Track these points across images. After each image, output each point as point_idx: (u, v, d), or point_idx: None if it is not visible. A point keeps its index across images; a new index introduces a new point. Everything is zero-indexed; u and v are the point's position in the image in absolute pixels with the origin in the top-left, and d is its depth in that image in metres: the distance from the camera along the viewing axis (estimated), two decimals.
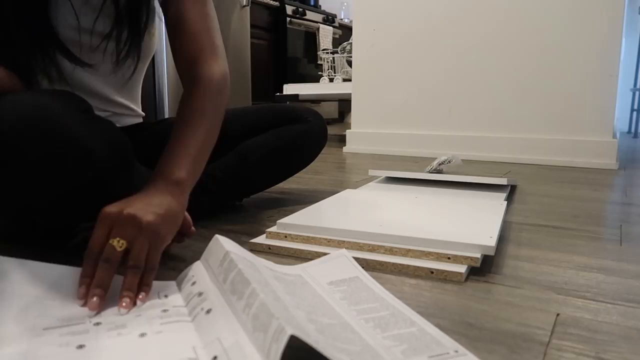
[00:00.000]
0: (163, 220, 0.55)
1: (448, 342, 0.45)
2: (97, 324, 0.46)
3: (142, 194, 0.59)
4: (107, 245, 0.50)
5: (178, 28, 0.77)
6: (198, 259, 0.73)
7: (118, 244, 0.50)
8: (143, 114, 1.00)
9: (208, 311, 0.47)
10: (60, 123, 0.57)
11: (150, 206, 0.55)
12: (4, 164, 0.54)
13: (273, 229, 0.82)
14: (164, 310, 0.49)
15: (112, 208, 0.53)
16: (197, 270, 0.55)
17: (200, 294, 0.50)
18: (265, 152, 1.01)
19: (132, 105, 0.94)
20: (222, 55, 0.78)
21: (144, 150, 0.92)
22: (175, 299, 0.52)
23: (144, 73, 0.96)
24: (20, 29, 0.70)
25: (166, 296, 0.53)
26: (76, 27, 0.75)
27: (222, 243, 0.55)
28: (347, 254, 0.69)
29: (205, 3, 0.80)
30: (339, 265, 0.66)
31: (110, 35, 0.77)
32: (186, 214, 0.73)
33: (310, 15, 3.94)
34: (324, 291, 0.56)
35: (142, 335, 0.44)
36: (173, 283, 0.57)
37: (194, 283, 0.53)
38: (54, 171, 0.57)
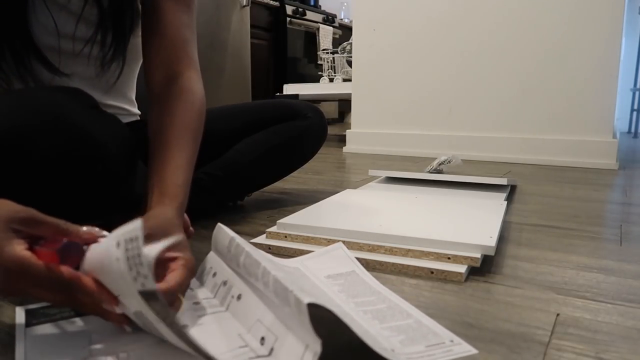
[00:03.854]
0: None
1: (443, 332, 0.47)
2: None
3: (165, 223, 0.54)
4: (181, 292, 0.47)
5: (159, 31, 0.73)
6: (198, 258, 0.73)
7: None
8: (139, 112, 1.00)
9: (239, 297, 0.48)
10: (72, 118, 0.58)
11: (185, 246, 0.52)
12: (18, 157, 0.54)
13: (273, 229, 0.82)
14: (195, 303, 0.50)
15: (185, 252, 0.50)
16: (213, 261, 0.56)
17: (225, 283, 0.51)
18: (265, 150, 1.00)
19: (124, 106, 0.93)
20: (199, 70, 0.76)
21: (142, 149, 0.92)
22: (202, 292, 0.53)
23: (136, 74, 0.95)
24: None
25: (192, 289, 0.54)
26: (54, 33, 0.73)
27: (226, 230, 0.55)
28: (343, 247, 0.70)
29: (190, 12, 0.76)
30: (336, 258, 0.67)
31: (95, 40, 0.75)
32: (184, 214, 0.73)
33: (310, 15, 3.93)
34: (322, 284, 0.57)
35: (183, 327, 0.44)
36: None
37: (214, 274, 0.54)
38: (67, 164, 0.58)
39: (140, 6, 0.80)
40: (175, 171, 0.60)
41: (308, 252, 0.74)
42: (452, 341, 0.45)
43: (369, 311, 0.51)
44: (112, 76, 0.83)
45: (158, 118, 0.67)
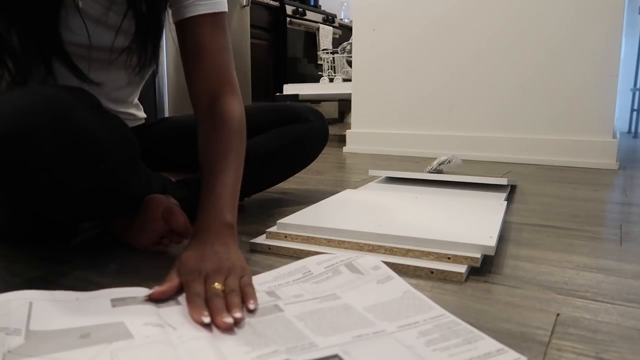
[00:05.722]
0: (237, 259, 0.60)
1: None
2: None
3: (207, 243, 0.61)
4: (210, 288, 0.53)
5: (199, 57, 0.75)
6: None
7: (218, 285, 0.54)
8: (144, 115, 1.00)
9: None
10: (74, 115, 0.58)
11: (224, 255, 0.59)
12: (21, 157, 0.54)
13: (273, 229, 0.82)
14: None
15: (194, 266, 0.57)
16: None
17: None
18: (266, 152, 1.00)
19: (130, 111, 0.94)
20: (239, 93, 0.79)
21: (144, 149, 0.93)
22: None
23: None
24: (26, 39, 0.69)
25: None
26: (86, 43, 0.74)
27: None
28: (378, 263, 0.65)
29: (225, 33, 0.78)
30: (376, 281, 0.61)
31: (130, 50, 0.77)
32: (184, 214, 0.73)
33: (310, 15, 3.93)
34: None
35: None
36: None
37: None
38: (69, 163, 0.58)
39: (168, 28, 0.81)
40: (222, 190, 0.66)
41: (308, 252, 0.74)
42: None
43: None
44: (139, 86, 0.88)
45: (203, 145, 0.73)
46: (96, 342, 0.43)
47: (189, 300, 0.52)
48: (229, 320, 0.48)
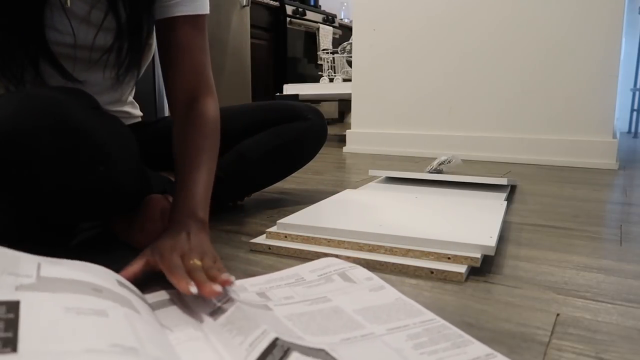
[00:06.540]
0: (209, 249, 0.60)
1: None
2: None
3: (181, 232, 0.61)
4: (189, 263, 0.55)
5: (179, 57, 0.76)
6: None
7: (198, 262, 0.56)
8: (141, 113, 1.00)
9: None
10: (75, 119, 0.58)
11: (197, 242, 0.61)
12: (20, 159, 0.54)
13: (273, 229, 0.82)
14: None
15: (170, 245, 0.58)
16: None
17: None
18: (265, 151, 1.00)
19: (125, 109, 0.94)
20: (215, 93, 0.80)
21: (143, 149, 0.92)
22: None
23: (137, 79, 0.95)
24: (11, 38, 0.69)
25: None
26: (72, 42, 0.74)
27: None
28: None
29: (204, 35, 0.79)
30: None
31: (112, 50, 0.76)
32: None
33: (310, 15, 3.93)
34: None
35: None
36: None
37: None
38: (69, 166, 0.58)
39: (154, 28, 0.80)
40: (194, 187, 0.68)
41: (308, 252, 0.74)
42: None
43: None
44: (127, 88, 0.87)
45: (178, 144, 0.74)
46: (109, 299, 0.42)
47: (171, 272, 0.53)
48: (217, 287, 0.49)
